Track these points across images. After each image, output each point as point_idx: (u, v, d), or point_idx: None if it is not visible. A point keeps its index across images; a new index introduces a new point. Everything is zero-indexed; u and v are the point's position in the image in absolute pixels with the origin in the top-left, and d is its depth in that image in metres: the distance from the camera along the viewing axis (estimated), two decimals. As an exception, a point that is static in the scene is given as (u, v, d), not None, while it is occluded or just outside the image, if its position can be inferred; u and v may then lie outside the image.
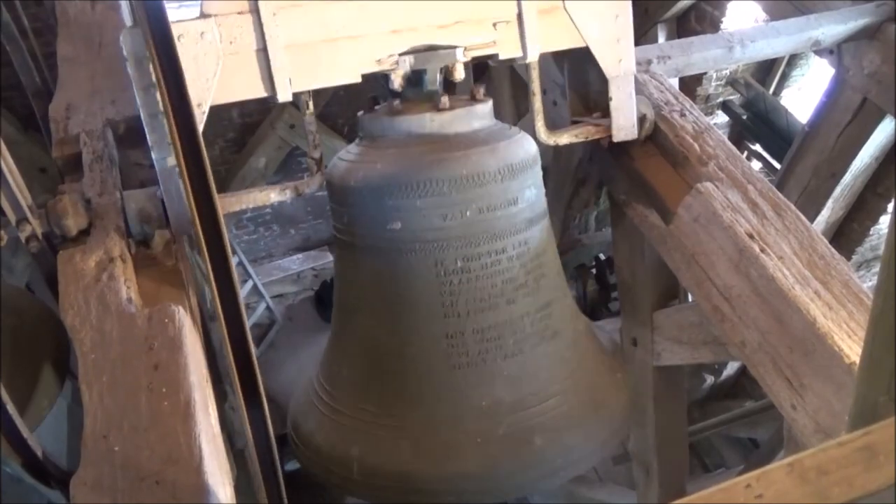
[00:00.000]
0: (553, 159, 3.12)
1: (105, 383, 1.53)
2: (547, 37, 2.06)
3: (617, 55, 2.18)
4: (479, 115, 2.22)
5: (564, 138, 2.29)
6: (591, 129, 2.30)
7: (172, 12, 1.67)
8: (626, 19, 2.15)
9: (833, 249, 2.02)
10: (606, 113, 2.26)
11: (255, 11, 1.78)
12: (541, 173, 2.30)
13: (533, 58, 2.08)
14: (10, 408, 1.53)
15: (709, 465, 5.37)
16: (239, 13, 1.77)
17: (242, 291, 6.06)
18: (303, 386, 2.66)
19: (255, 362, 1.32)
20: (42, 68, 3.17)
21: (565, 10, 2.05)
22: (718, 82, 5.38)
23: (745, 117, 5.45)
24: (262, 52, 1.81)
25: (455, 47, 1.99)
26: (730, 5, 4.70)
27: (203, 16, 1.75)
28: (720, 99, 5.56)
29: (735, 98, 5.55)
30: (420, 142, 2.13)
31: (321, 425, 2.39)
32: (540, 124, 2.23)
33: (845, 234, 4.16)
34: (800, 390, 1.88)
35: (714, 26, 4.79)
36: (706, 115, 2.68)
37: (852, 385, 1.10)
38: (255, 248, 7.25)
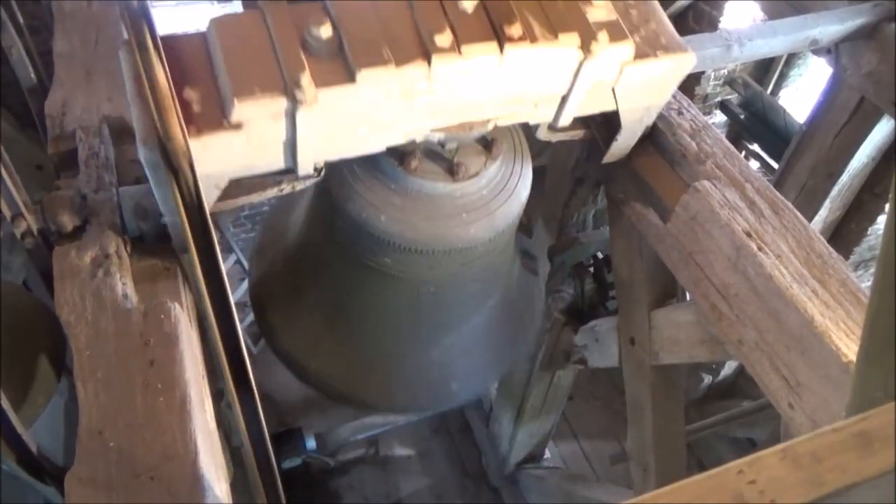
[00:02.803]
0: (551, 158, 3.11)
1: (100, 379, 1.52)
2: (581, 106, 2.02)
3: (641, 116, 2.17)
4: (489, 174, 2.22)
5: (562, 136, 2.28)
6: (588, 133, 2.29)
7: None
8: (669, 88, 2.11)
9: (830, 248, 2.02)
10: (607, 121, 2.24)
11: (291, 116, 1.65)
12: (522, 210, 2.40)
13: (564, 124, 2.07)
14: (5, 404, 1.52)
15: (706, 465, 5.37)
16: (272, 117, 1.65)
17: (240, 290, 6.06)
18: (268, 245, 2.94)
19: (246, 359, 1.31)
20: (38, 65, 3.16)
21: (612, 90, 1.99)
22: (716, 82, 5.38)
23: (742, 117, 5.45)
24: (290, 143, 1.73)
25: (487, 121, 1.95)
26: (728, 5, 4.70)
27: (232, 126, 1.62)
28: (718, 98, 5.56)
29: (733, 97, 5.55)
30: (426, 203, 2.16)
31: (285, 326, 2.75)
32: (543, 127, 2.21)
33: (843, 235, 4.17)
34: (797, 389, 1.88)
35: (712, 25, 4.79)
36: (704, 114, 2.67)
37: (849, 383, 1.10)
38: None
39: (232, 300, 1.39)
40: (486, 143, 2.20)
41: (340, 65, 1.68)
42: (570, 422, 5.75)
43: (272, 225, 3.02)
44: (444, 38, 1.71)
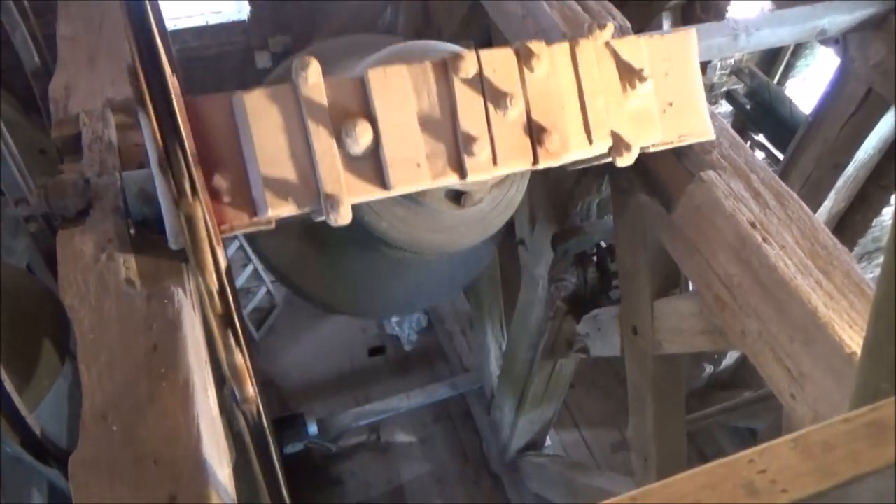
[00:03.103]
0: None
1: (104, 363, 1.53)
2: None
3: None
4: (491, 196, 2.21)
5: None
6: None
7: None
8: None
9: (835, 239, 2.01)
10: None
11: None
12: None
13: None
14: (9, 387, 1.53)
15: (707, 455, 5.39)
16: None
17: (243, 276, 6.07)
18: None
19: (242, 340, 1.31)
20: (42, 49, 3.15)
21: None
22: (723, 71, 5.35)
23: (748, 107, 5.42)
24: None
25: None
26: (735, -7, 4.66)
27: (263, 222, 1.67)
28: (724, 88, 5.54)
29: (739, 87, 5.52)
30: (428, 218, 2.17)
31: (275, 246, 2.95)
32: None
33: (848, 226, 4.15)
34: (799, 380, 1.88)
35: (719, 15, 4.75)
36: (710, 104, 2.65)
37: (853, 375, 1.09)
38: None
39: (234, 286, 1.39)
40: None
41: (376, 173, 1.71)
42: (572, 410, 5.76)
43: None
44: (482, 150, 1.74)
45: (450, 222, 2.16)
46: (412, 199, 2.10)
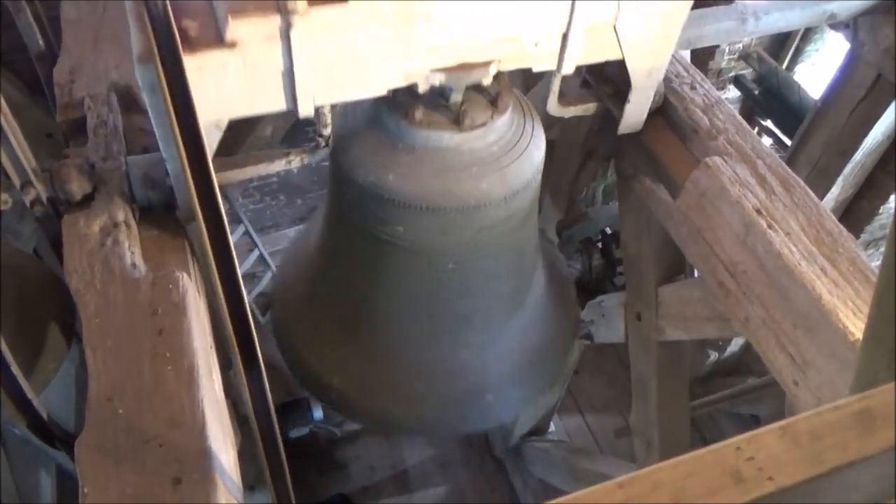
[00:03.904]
0: (561, 132, 3.09)
1: (109, 347, 1.54)
2: (585, 52, 1.96)
3: (649, 67, 2.10)
4: (497, 128, 2.16)
5: (573, 111, 2.26)
6: (601, 105, 2.27)
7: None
8: (673, 33, 2.04)
9: (841, 226, 2.00)
10: (618, 91, 2.21)
11: (286, 36, 1.62)
12: (539, 178, 2.31)
13: (567, 71, 2.00)
14: (15, 369, 1.55)
15: (710, 441, 5.39)
16: (267, 38, 1.61)
17: (248, 261, 6.08)
18: (288, 274, 2.96)
19: (253, 328, 1.32)
20: (47, 32, 3.14)
21: (614, 29, 1.94)
22: (731, 56, 5.31)
23: (756, 92, 5.38)
24: (288, 72, 1.70)
25: (489, 63, 1.90)
26: (745, -23, 4.61)
27: (227, 44, 1.59)
28: (732, 73, 5.49)
29: (747, 73, 5.47)
30: (434, 157, 2.11)
31: (307, 346, 2.67)
32: (553, 99, 2.18)
33: (854, 213, 4.13)
34: (803, 367, 1.88)
35: (728, -2, 4.70)
36: (717, 89, 2.64)
37: (855, 362, 1.09)
38: (261, 217, 7.25)
39: (238, 267, 1.39)
40: (492, 99, 2.15)
41: None
42: (575, 396, 5.78)
43: (289, 259, 3.11)
44: None
45: (457, 160, 2.09)
46: (410, 139, 2.08)
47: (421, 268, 2.32)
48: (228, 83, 1.64)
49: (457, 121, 2.06)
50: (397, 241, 2.23)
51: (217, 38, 1.59)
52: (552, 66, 1.98)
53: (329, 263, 2.59)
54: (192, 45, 1.56)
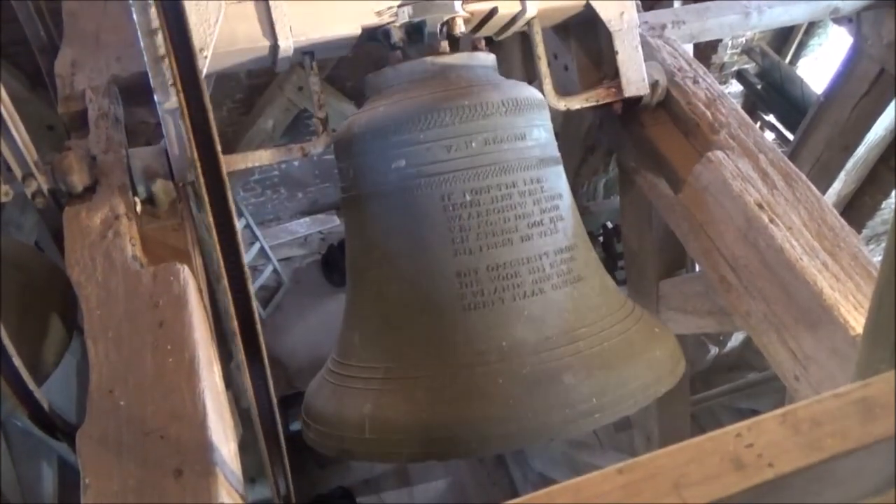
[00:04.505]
0: (563, 126, 3.08)
1: (110, 339, 1.54)
2: None
3: (619, 8, 2.18)
4: (481, 60, 2.15)
5: (575, 103, 2.26)
6: (601, 92, 2.26)
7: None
8: None
9: (843, 221, 2.00)
10: (617, 76, 2.22)
11: None
12: (549, 119, 2.18)
13: (531, 14, 2.07)
14: (17, 361, 1.55)
15: (710, 435, 5.41)
16: None
17: (249, 254, 6.10)
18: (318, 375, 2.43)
19: (257, 318, 1.32)
20: (48, 24, 3.14)
21: None
22: (734, 50, 5.29)
23: (759, 87, 5.37)
24: (264, 1, 1.86)
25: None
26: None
27: None
28: (735, 68, 5.47)
29: (750, 67, 5.46)
30: (422, 84, 2.07)
31: (331, 397, 2.18)
32: (548, 87, 2.19)
33: (856, 208, 4.12)
34: (804, 362, 1.88)
35: (731, -8, 4.69)
36: (720, 84, 2.63)
37: (856, 356, 1.09)
38: (262, 210, 7.26)
39: (243, 255, 1.40)
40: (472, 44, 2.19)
41: None
42: (576, 390, 5.79)
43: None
44: None
45: (454, 83, 2.04)
46: (404, 77, 2.07)
47: (436, 208, 2.02)
48: (210, 6, 1.79)
49: (434, 50, 2.06)
50: (405, 183, 2.02)
51: None
52: (517, 9, 2.08)
53: (354, 298, 2.23)
54: None
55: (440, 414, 1.95)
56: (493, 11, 2.06)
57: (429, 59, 2.06)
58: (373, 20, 1.96)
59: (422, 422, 1.95)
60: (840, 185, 3.76)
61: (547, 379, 1.95)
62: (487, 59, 2.16)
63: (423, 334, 2.04)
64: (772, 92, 5.32)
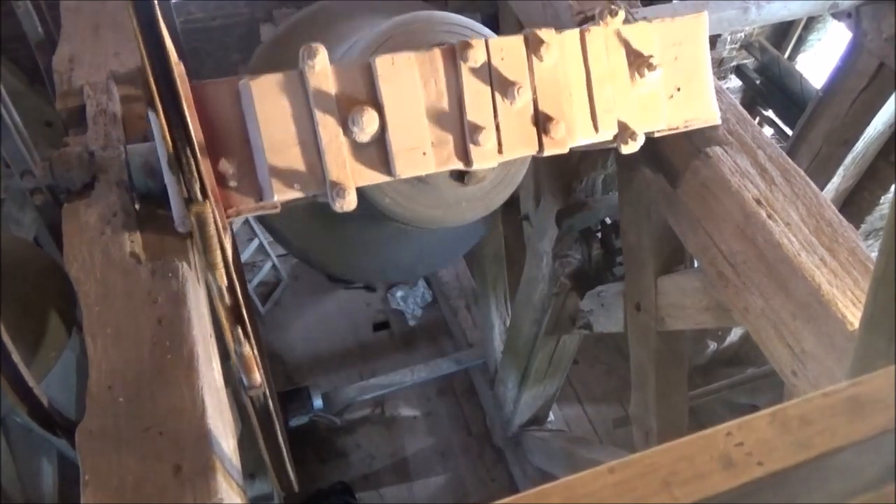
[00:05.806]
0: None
1: (109, 335, 1.54)
2: None
3: None
4: (494, 173, 2.17)
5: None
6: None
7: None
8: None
9: (841, 216, 2.00)
10: None
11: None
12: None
13: None
14: (16, 357, 1.55)
15: (708, 430, 5.41)
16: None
17: (248, 250, 6.09)
18: None
19: (245, 312, 1.32)
20: (46, 20, 3.13)
21: None
22: (732, 45, 5.29)
23: (758, 82, 5.37)
24: None
25: None
26: (747, -34, 4.58)
27: (269, 206, 1.73)
28: (734, 63, 5.47)
29: (749, 62, 5.45)
30: (431, 194, 2.13)
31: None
32: None
33: (855, 203, 4.13)
34: (801, 357, 1.89)
35: (730, -13, 4.68)
36: (719, 79, 2.63)
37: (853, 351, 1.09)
38: (261, 206, 7.24)
39: (240, 262, 1.40)
40: None
41: (381, 160, 1.71)
42: (575, 386, 5.80)
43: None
44: (487, 140, 1.74)
45: (452, 199, 2.15)
46: (416, 177, 2.09)
47: (391, 227, 2.45)
48: None
49: (461, 178, 2.06)
50: (379, 218, 2.29)
51: (257, 197, 1.67)
52: None
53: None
54: (236, 208, 1.67)
55: None
56: None
57: (450, 190, 2.13)
58: None
59: None
60: (839, 180, 3.76)
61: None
62: (500, 172, 2.18)
63: None
64: (771, 87, 5.31)
